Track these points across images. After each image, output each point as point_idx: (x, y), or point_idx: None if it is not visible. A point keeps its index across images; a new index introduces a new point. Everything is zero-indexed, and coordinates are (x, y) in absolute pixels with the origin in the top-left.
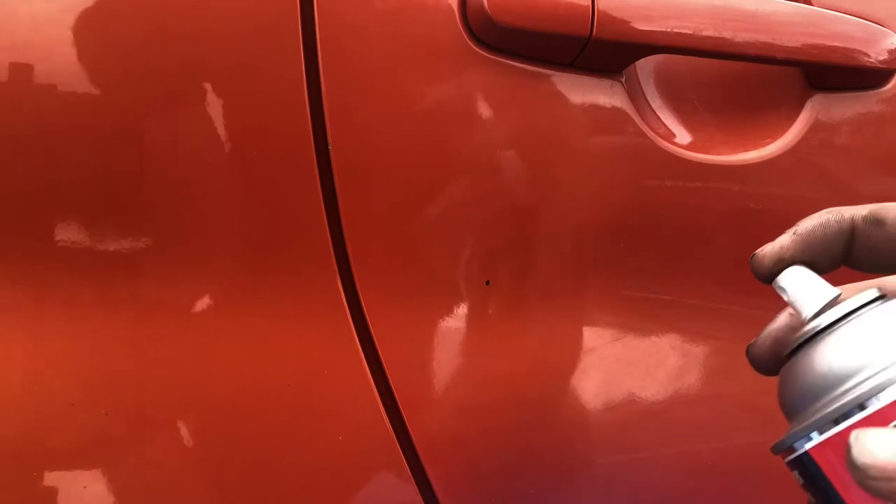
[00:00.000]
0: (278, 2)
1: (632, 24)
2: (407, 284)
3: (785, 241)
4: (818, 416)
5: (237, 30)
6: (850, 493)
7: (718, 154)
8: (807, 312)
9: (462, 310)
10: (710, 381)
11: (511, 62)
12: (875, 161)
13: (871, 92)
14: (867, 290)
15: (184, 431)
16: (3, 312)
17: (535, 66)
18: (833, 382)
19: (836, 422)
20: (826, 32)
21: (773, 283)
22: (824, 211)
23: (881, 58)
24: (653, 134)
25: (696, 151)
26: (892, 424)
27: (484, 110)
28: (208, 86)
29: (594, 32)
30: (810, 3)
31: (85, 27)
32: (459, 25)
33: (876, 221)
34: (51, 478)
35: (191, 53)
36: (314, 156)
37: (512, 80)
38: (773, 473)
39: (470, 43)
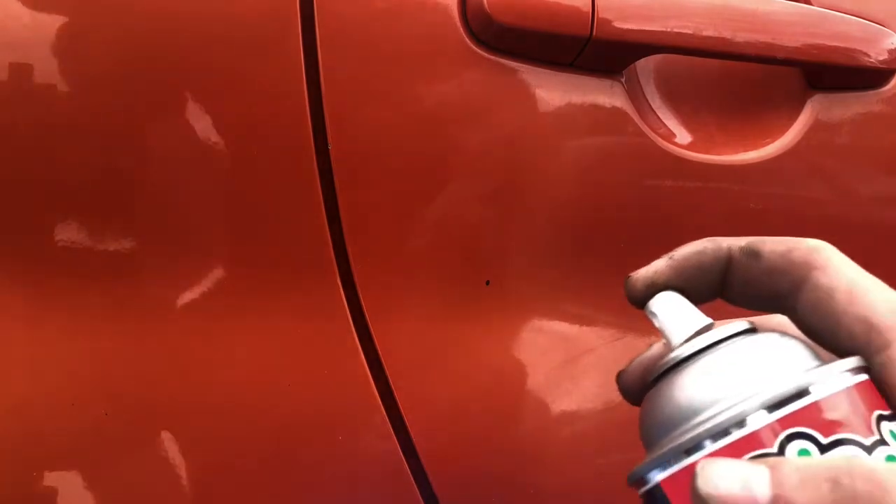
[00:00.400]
0: (278, 1)
1: (632, 24)
2: (407, 284)
3: (660, 265)
4: (671, 446)
5: (237, 30)
6: None
7: (718, 154)
8: (675, 340)
9: (462, 310)
10: None
11: (511, 62)
12: (875, 161)
13: (871, 92)
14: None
15: (183, 431)
16: (2, 312)
17: (535, 65)
18: (689, 413)
19: (688, 453)
20: (826, 32)
21: (645, 308)
22: (704, 239)
23: (881, 58)
24: (653, 134)
25: (696, 151)
26: (746, 458)
27: (483, 110)
28: (209, 86)
29: (594, 32)
30: (810, 3)
31: (85, 27)
32: (459, 25)
33: (752, 253)
34: (51, 478)
35: (191, 53)
36: (314, 156)
37: (512, 80)
38: None
39: (470, 43)
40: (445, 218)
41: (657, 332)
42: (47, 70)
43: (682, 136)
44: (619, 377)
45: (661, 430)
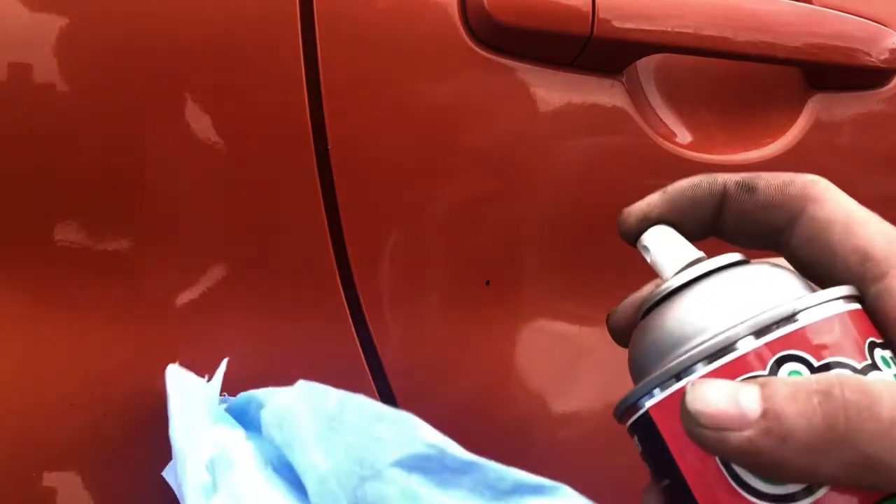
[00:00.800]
0: (278, 1)
1: (632, 24)
2: (407, 284)
3: (653, 199)
4: (660, 371)
5: (237, 30)
6: (685, 457)
7: (719, 154)
8: (667, 273)
9: (462, 310)
10: None
11: (511, 61)
12: (876, 161)
13: (871, 92)
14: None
15: None
16: (2, 312)
17: (535, 65)
18: (680, 340)
19: (678, 377)
20: (827, 32)
21: (637, 243)
22: (699, 175)
23: (882, 57)
24: (653, 133)
25: (696, 151)
26: (738, 380)
27: (483, 110)
28: (208, 86)
29: (594, 31)
30: (811, 3)
31: (84, 27)
32: (459, 24)
33: (748, 187)
34: (50, 478)
35: (190, 53)
36: (314, 156)
37: (512, 79)
38: None
39: (469, 42)
40: (445, 218)
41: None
42: (47, 70)
43: (683, 135)
44: (609, 318)
45: (651, 359)
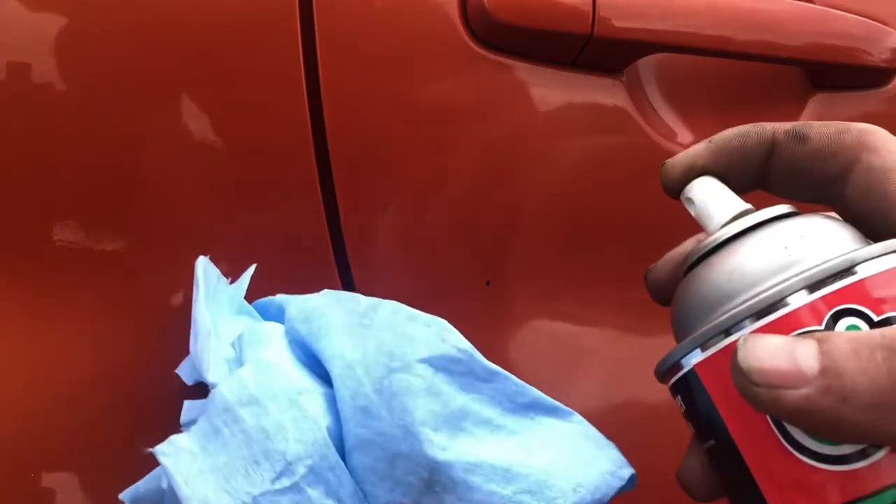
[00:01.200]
0: (277, 1)
1: (633, 23)
2: (407, 284)
3: (699, 148)
4: (708, 326)
5: (236, 29)
6: (732, 416)
7: None
8: (714, 224)
9: (462, 310)
10: None
11: (511, 61)
12: None
13: (873, 91)
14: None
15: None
16: (1, 312)
17: (536, 64)
18: (729, 294)
19: (727, 333)
20: (828, 31)
21: (681, 195)
22: (747, 125)
23: (883, 56)
24: (654, 133)
25: None
26: (792, 335)
27: (484, 109)
28: (208, 85)
29: (595, 31)
30: (812, 2)
31: (83, 27)
32: (459, 24)
33: (799, 137)
34: (50, 478)
35: (190, 53)
36: (314, 156)
37: (512, 79)
38: None
39: (470, 42)
40: (445, 218)
41: (661, 331)
42: (47, 70)
43: (684, 135)
44: (648, 274)
45: (698, 314)
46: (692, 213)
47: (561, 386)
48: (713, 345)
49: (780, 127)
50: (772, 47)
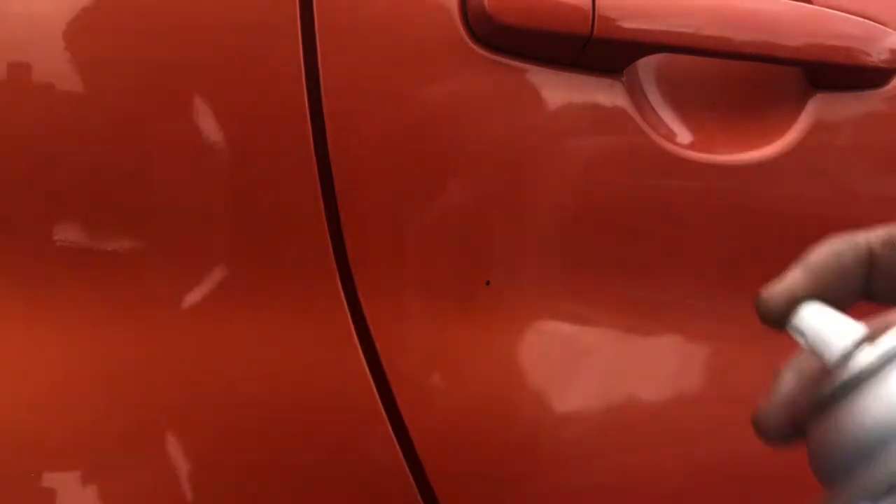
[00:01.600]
0: (277, 1)
1: (633, 24)
2: (407, 284)
3: (796, 277)
4: (869, 482)
5: (236, 30)
6: None
7: (719, 154)
8: (834, 355)
9: (462, 310)
10: (712, 383)
11: (511, 61)
12: (877, 161)
13: (872, 91)
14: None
15: (183, 431)
16: (1, 312)
17: (535, 65)
18: (884, 438)
19: (892, 490)
20: (827, 32)
21: (788, 327)
22: (833, 239)
23: (883, 57)
24: (654, 133)
25: (697, 151)
26: None
27: (483, 110)
28: (207, 86)
29: (594, 31)
30: (812, 3)
31: (83, 26)
32: (459, 24)
33: (895, 244)
34: (50, 478)
35: (189, 53)
36: (314, 156)
37: (512, 79)
38: (774, 476)
39: (469, 42)
40: (445, 218)
41: (661, 331)
42: (47, 70)
43: (683, 135)
44: (760, 420)
45: (852, 460)
46: (804, 344)
47: (562, 385)
48: (885, 497)
49: (874, 238)
50: (771, 48)
